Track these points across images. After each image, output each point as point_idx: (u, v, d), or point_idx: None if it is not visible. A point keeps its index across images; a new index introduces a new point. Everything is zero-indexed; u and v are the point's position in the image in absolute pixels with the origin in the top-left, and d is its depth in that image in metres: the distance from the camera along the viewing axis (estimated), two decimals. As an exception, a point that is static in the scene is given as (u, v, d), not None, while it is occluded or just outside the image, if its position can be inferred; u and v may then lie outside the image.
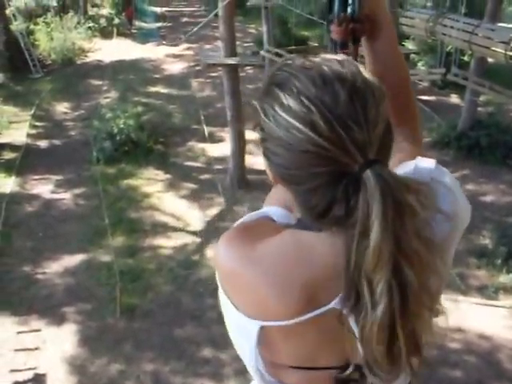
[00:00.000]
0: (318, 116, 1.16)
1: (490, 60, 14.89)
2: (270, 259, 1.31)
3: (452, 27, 11.72)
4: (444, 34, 12.07)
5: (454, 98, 18.99)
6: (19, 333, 9.36)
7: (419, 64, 20.31)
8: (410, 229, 1.17)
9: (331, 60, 1.24)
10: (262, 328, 1.33)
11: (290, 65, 1.27)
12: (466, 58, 16.60)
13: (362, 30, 1.64)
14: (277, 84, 1.25)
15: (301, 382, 1.43)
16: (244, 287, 1.37)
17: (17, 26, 23.12)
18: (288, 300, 1.28)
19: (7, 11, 23.26)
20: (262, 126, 1.28)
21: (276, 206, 1.53)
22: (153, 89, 20.44)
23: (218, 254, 1.44)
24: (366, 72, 1.24)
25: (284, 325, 1.30)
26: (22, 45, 22.11)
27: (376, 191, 1.14)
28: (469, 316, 9.70)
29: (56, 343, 9.19)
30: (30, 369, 8.69)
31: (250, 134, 15.71)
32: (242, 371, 8.61)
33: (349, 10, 1.63)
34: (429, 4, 21.94)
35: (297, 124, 1.18)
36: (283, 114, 1.20)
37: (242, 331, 1.41)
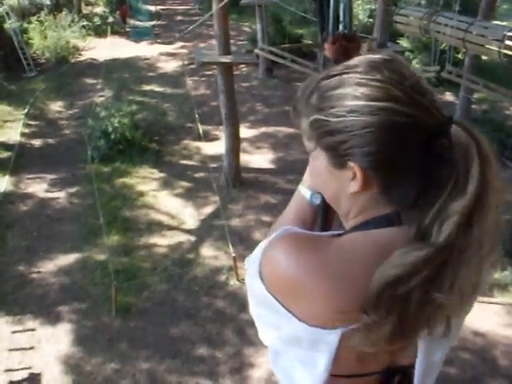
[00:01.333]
0: (395, 90, 1.20)
1: (483, 58, 14.93)
2: (346, 264, 1.26)
3: (446, 25, 11.72)
4: (438, 32, 12.07)
5: (448, 96, 19.01)
6: (14, 332, 9.35)
7: (413, 62, 20.31)
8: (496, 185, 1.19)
9: (366, 54, 1.32)
10: (343, 335, 1.25)
11: (331, 72, 1.32)
12: (460, 56, 16.62)
13: (354, 48, 1.69)
14: (332, 88, 1.28)
15: None
16: (318, 296, 1.26)
17: (10, 24, 23.04)
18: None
19: (0, 10, 23.19)
20: (334, 130, 1.26)
21: (292, 225, 1.50)
22: (147, 87, 20.43)
23: (277, 263, 1.31)
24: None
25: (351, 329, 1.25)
26: (16, 43, 22.05)
27: (471, 143, 1.19)
28: (463, 313, 9.74)
29: (51, 342, 9.18)
30: (25, 368, 8.68)
31: (245, 133, 15.74)
32: (237, 369, 8.63)
33: (340, 27, 1.71)
34: (423, 2, 21.96)
35: (378, 104, 1.20)
36: (361, 103, 1.21)
37: (314, 346, 1.30)
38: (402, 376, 1.34)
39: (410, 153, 1.21)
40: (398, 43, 19.19)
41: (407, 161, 1.22)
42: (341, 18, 1.69)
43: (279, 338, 1.36)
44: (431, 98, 1.24)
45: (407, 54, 20.60)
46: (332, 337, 1.26)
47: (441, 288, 1.15)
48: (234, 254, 10.54)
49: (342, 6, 1.71)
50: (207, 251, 11.27)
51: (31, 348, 9.07)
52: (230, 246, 10.95)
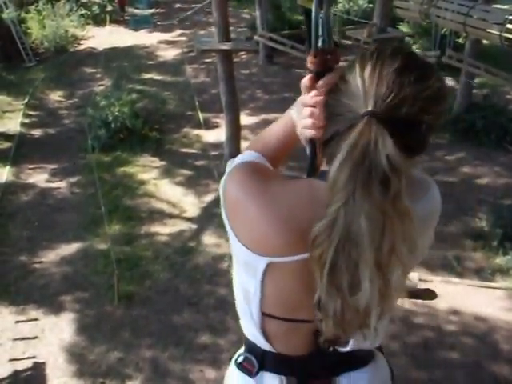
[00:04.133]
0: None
1: (484, 42, 14.84)
2: (283, 200, 1.53)
3: (446, 9, 11.66)
4: (438, 17, 12.03)
5: (449, 81, 18.90)
6: (17, 322, 9.36)
7: (414, 47, 20.24)
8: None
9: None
10: (268, 265, 1.49)
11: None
12: (460, 41, 16.53)
13: (333, 60, 1.86)
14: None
15: (279, 331, 1.60)
16: (249, 220, 1.54)
17: (8, 14, 22.90)
18: (290, 238, 1.46)
19: (-3, -1, 23.09)
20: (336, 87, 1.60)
21: (258, 152, 1.86)
22: (147, 76, 20.36)
23: (230, 184, 1.69)
24: None
25: (288, 261, 1.46)
26: (14, 33, 21.95)
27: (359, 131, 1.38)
28: (465, 298, 9.75)
29: (54, 332, 9.20)
30: (29, 358, 8.70)
31: (245, 120, 15.70)
32: (240, 356, 8.66)
33: (320, 42, 1.89)
34: (423, -14, 21.81)
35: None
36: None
37: (245, 272, 1.57)
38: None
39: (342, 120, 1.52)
40: (398, 28, 19.12)
41: (339, 125, 1.53)
42: (320, 33, 1.86)
43: (232, 256, 1.65)
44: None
45: (407, 39, 20.52)
46: (261, 264, 1.49)
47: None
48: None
49: (320, 22, 1.85)
50: (209, 239, 11.26)
51: (35, 337, 9.08)
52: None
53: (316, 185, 1.57)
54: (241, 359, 1.78)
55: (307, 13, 1.94)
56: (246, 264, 1.54)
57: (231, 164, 1.84)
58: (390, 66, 1.46)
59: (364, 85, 1.44)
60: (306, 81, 1.91)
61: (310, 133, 1.81)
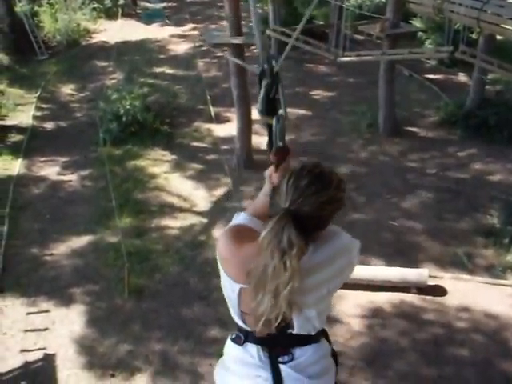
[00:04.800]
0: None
1: (498, 37, 14.73)
2: (247, 256, 2.48)
3: (460, 4, 11.55)
4: (452, 12, 11.90)
5: (462, 77, 18.84)
6: (29, 314, 9.44)
7: (426, 42, 20.11)
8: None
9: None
10: (241, 288, 2.57)
11: None
12: (474, 36, 16.40)
13: (286, 154, 2.89)
14: None
15: (251, 321, 2.59)
16: (230, 266, 2.62)
17: (21, 7, 23.00)
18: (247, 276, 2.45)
19: (11, -7, 23.14)
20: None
21: (253, 215, 2.79)
22: (158, 69, 20.36)
23: (218, 243, 2.68)
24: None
25: (246, 287, 2.51)
26: (27, 27, 22.01)
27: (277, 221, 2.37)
28: (475, 295, 9.71)
29: (65, 324, 9.26)
30: (40, 349, 8.78)
31: (256, 114, 15.66)
32: (249, 350, 8.66)
33: (279, 142, 2.97)
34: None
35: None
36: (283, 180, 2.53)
37: (229, 290, 2.64)
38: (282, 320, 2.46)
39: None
40: (410, 23, 19.00)
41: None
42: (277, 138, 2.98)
43: (221, 281, 2.70)
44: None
45: (420, 34, 20.40)
46: (237, 287, 2.57)
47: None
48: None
49: (278, 130, 2.99)
50: (219, 233, 11.24)
51: (46, 329, 9.15)
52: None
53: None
54: (234, 336, 2.83)
55: (269, 125, 3.01)
56: (230, 287, 2.64)
57: (236, 216, 2.84)
58: (302, 181, 2.44)
59: (286, 190, 2.44)
60: (269, 170, 2.91)
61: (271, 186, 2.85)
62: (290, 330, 2.63)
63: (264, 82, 2.99)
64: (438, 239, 11.12)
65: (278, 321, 2.43)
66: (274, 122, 2.86)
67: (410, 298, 9.66)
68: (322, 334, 2.81)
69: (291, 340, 2.67)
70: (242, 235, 2.61)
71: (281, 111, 2.85)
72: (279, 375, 2.64)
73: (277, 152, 2.84)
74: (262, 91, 2.99)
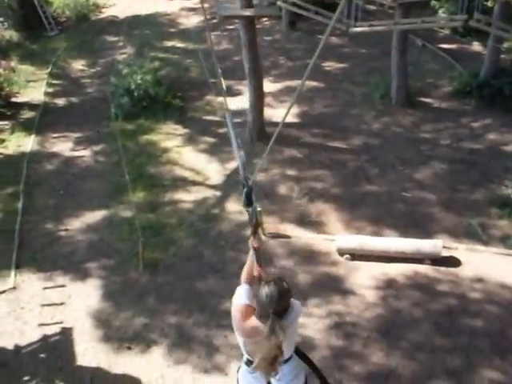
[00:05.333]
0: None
1: (514, 4, 14.48)
2: (248, 328, 4.07)
3: (474, -30, 11.36)
4: (466, -22, 11.71)
5: (476, 46, 18.60)
6: (45, 288, 9.53)
7: (440, 11, 19.81)
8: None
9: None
10: (245, 341, 4.24)
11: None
12: (489, 4, 16.12)
13: (257, 226, 4.85)
14: None
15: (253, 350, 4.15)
16: (239, 331, 4.21)
17: (30, -17, 22.88)
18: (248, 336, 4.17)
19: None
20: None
21: (248, 283, 4.49)
22: (169, 43, 20.25)
23: (234, 314, 4.26)
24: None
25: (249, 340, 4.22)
26: (36, 2, 21.91)
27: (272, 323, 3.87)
28: (490, 266, 9.69)
29: (81, 298, 9.35)
30: (57, 323, 8.88)
31: (269, 87, 15.59)
32: (264, 322, 8.72)
33: (253, 219, 4.86)
34: None
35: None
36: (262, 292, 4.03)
37: (239, 341, 4.32)
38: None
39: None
40: (423, -8, 18.73)
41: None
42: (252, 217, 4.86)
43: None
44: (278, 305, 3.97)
45: (433, 3, 20.08)
46: (242, 340, 4.30)
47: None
48: (259, 209, 10.50)
49: (251, 213, 4.90)
50: (232, 206, 11.29)
51: (62, 303, 9.24)
52: (255, 200, 10.91)
53: (260, 325, 3.94)
54: (246, 360, 4.37)
55: (248, 211, 4.87)
56: (239, 339, 4.25)
57: (239, 291, 4.42)
58: (274, 292, 3.90)
59: (267, 300, 3.90)
60: (251, 239, 4.80)
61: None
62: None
63: (244, 190, 4.86)
64: (451, 210, 11.07)
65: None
66: (250, 209, 4.76)
67: (424, 269, 9.66)
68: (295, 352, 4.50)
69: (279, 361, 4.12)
70: (246, 313, 4.14)
71: (254, 205, 4.76)
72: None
73: (253, 226, 4.75)
74: (244, 196, 4.83)
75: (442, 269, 9.62)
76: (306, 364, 4.57)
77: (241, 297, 4.25)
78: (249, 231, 4.83)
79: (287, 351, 4.19)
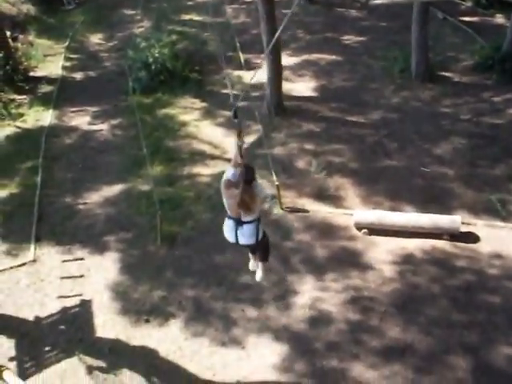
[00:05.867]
0: None
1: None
2: (228, 192, 6.00)
3: None
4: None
5: (499, 19, 18.24)
6: (64, 261, 9.66)
7: (460, -17, 19.50)
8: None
9: None
10: (226, 199, 6.13)
11: None
12: (512, -26, 15.83)
13: (241, 131, 6.02)
14: None
15: (231, 212, 6.14)
16: (224, 194, 6.08)
17: (46, -45, 22.77)
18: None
19: None
20: None
21: (234, 167, 6.05)
22: (186, 17, 20.09)
23: (221, 185, 6.06)
24: None
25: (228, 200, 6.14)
26: (53, -24, 21.83)
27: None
28: (509, 242, 9.62)
29: (99, 271, 9.45)
30: (76, 295, 9.02)
31: (287, 60, 15.47)
32: (280, 296, 8.76)
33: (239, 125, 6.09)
34: None
35: None
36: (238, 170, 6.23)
37: (224, 201, 6.15)
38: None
39: None
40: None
41: None
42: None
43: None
44: None
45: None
46: (225, 200, 6.14)
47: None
48: (277, 183, 10.52)
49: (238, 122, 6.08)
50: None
51: (81, 276, 9.37)
52: (274, 174, 10.92)
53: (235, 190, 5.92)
54: (227, 215, 6.20)
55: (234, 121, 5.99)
56: (224, 200, 6.10)
57: (226, 171, 6.12)
58: (248, 169, 6.04)
59: (241, 173, 5.98)
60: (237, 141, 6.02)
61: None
62: (241, 218, 6.09)
63: (233, 108, 5.91)
64: (471, 186, 10.97)
65: (239, 215, 6.04)
66: (236, 120, 5.88)
67: (442, 244, 9.62)
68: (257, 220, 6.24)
69: (242, 222, 6.12)
70: (228, 184, 5.94)
71: (238, 118, 5.90)
72: (237, 234, 6.22)
73: (238, 130, 5.89)
74: (232, 111, 5.91)
75: (461, 244, 9.58)
76: (261, 240, 6.44)
77: (227, 175, 6.03)
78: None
79: (250, 217, 6.11)
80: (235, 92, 13.63)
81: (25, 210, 10.83)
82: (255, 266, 7.43)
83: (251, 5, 19.75)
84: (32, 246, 9.97)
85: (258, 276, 7.37)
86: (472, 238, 9.72)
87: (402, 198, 10.69)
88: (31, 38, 18.46)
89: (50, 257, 9.78)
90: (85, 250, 9.91)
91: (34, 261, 9.70)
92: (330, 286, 8.91)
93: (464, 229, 9.72)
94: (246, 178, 5.85)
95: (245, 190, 5.79)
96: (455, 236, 9.63)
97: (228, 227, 6.24)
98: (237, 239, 6.25)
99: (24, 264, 9.65)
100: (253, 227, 6.18)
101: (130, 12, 21.18)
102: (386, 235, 9.77)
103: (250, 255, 7.36)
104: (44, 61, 17.20)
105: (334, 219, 10.27)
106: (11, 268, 9.60)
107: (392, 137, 12.55)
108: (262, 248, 6.94)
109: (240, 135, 5.90)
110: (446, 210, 10.25)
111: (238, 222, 6.13)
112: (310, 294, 8.80)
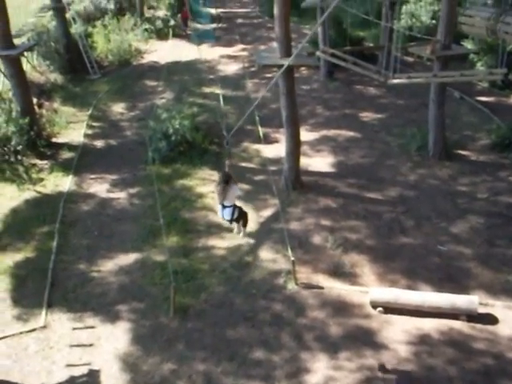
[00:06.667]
0: None
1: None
2: (216, 189, 10.56)
3: (515, 26, 11.34)
4: (506, 33, 11.68)
5: (516, 101, 18.49)
6: (75, 329, 9.54)
7: (478, 64, 19.85)
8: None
9: None
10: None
11: None
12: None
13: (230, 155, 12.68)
14: None
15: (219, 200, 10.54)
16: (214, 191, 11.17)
17: (76, 29, 23.66)
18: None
19: (67, 15, 23.83)
20: None
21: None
22: (208, 89, 20.56)
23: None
24: None
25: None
26: (81, 47, 22.61)
27: None
28: (529, 325, 9.42)
29: (110, 340, 9.31)
30: (85, 364, 8.85)
31: (305, 135, 15.65)
32: (293, 374, 8.56)
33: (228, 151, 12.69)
34: (489, 1, 21.35)
35: None
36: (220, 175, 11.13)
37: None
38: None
39: None
40: (462, 45, 18.80)
41: None
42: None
43: None
44: None
45: (472, 56, 20.14)
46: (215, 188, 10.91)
47: None
48: (292, 258, 10.47)
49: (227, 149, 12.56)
50: (266, 254, 11.23)
51: (91, 345, 9.22)
52: (289, 249, 10.89)
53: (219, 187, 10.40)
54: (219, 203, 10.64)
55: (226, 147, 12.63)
56: (216, 195, 10.81)
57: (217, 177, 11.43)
58: (223, 173, 10.55)
59: (221, 176, 10.46)
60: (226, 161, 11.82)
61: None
62: (224, 204, 10.31)
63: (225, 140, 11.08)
64: (488, 266, 10.84)
65: (223, 201, 10.26)
66: (227, 147, 11.57)
67: (460, 325, 9.42)
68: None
69: (225, 206, 10.32)
70: (216, 184, 10.22)
71: (228, 146, 11.52)
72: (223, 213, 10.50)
73: (228, 153, 11.98)
74: (225, 142, 11.29)
75: (479, 326, 9.37)
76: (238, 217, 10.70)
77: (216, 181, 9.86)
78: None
79: (228, 202, 10.17)
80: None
81: (38, 275, 10.82)
82: (239, 229, 11.72)
83: (271, 79, 20.14)
84: (43, 312, 9.88)
85: (241, 234, 11.73)
86: (490, 319, 9.50)
87: (419, 276, 10.56)
88: (56, 105, 18.97)
89: (60, 323, 9.68)
90: (96, 318, 9.81)
91: (45, 327, 9.60)
92: (344, 365, 8.69)
93: (482, 310, 9.53)
94: (224, 180, 10.11)
95: (223, 187, 10.10)
96: (473, 317, 9.43)
97: (219, 209, 10.60)
98: (223, 216, 10.54)
99: (34, 330, 9.54)
100: (231, 210, 10.44)
101: (152, 83, 21.72)
102: (401, 314, 9.60)
103: (235, 224, 11.50)
104: (67, 127, 17.59)
105: (349, 296, 10.14)
106: (20, 333, 9.47)
107: (409, 214, 12.52)
108: (241, 219, 11.15)
109: (229, 157, 11.17)
110: (463, 289, 10.09)
111: (224, 207, 10.39)
112: (322, 372, 8.59)
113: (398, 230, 12.01)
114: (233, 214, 10.49)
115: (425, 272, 10.66)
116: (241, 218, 11.01)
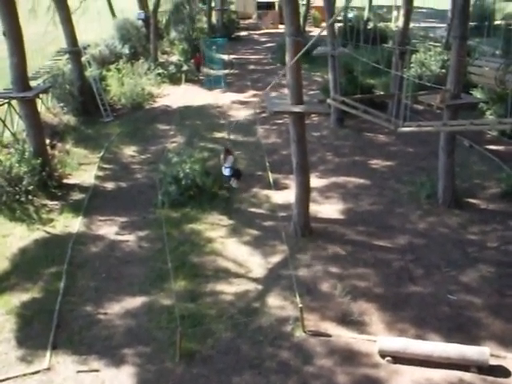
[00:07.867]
0: None
1: None
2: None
3: (524, 76, 11.45)
4: (515, 84, 11.78)
5: (527, 150, 18.52)
6: (79, 372, 9.43)
7: (487, 113, 19.97)
8: None
9: None
10: None
11: None
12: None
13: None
14: None
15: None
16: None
17: (91, 72, 24.07)
18: None
19: (83, 59, 24.29)
20: None
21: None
22: (219, 134, 20.73)
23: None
24: None
25: None
26: (95, 90, 22.99)
27: None
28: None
29: (114, 385, 9.21)
30: (88, 409, 8.73)
31: (315, 182, 15.70)
32: (300, 424, 8.41)
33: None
34: (498, 52, 21.61)
35: None
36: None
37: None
38: None
39: None
40: (471, 94, 18.93)
41: None
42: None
43: None
44: None
45: (481, 105, 20.27)
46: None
47: None
48: (300, 305, 10.38)
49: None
50: (273, 301, 11.15)
51: (95, 389, 9.12)
52: (297, 296, 10.81)
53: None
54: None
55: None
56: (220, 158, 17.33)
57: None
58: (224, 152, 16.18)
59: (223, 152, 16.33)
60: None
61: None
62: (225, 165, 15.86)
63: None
64: (500, 316, 10.70)
65: (224, 164, 15.81)
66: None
67: (470, 377, 9.25)
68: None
69: (226, 167, 15.77)
70: (221, 153, 16.09)
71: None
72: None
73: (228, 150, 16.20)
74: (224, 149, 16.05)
75: (490, 378, 9.19)
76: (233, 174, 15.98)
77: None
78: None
79: (227, 164, 15.46)
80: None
81: (44, 316, 10.77)
82: (234, 182, 15.79)
83: (282, 126, 20.35)
84: (48, 354, 9.80)
85: (234, 184, 15.91)
86: (502, 371, 9.32)
87: (428, 325, 10.43)
88: (68, 146, 19.18)
89: (65, 366, 9.58)
90: (101, 361, 9.70)
91: (49, 369, 9.50)
92: (352, 416, 8.55)
93: (493, 361, 9.36)
94: (225, 151, 15.06)
95: (225, 155, 15.17)
96: (484, 369, 9.27)
97: (222, 169, 15.17)
98: (224, 173, 15.23)
99: (38, 372, 9.44)
100: (229, 169, 15.23)
101: (164, 127, 21.97)
102: (410, 364, 9.45)
103: (232, 178, 15.82)
104: (78, 169, 17.75)
105: (357, 345, 10.00)
106: (24, 375, 9.37)
107: (418, 262, 12.44)
108: (235, 175, 15.73)
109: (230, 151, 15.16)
110: (474, 340, 9.94)
111: (225, 168, 15.18)
112: (330, 423, 8.45)
113: (407, 278, 11.92)
114: (230, 171, 15.71)
115: (434, 321, 10.54)
116: (235, 174, 16.04)
